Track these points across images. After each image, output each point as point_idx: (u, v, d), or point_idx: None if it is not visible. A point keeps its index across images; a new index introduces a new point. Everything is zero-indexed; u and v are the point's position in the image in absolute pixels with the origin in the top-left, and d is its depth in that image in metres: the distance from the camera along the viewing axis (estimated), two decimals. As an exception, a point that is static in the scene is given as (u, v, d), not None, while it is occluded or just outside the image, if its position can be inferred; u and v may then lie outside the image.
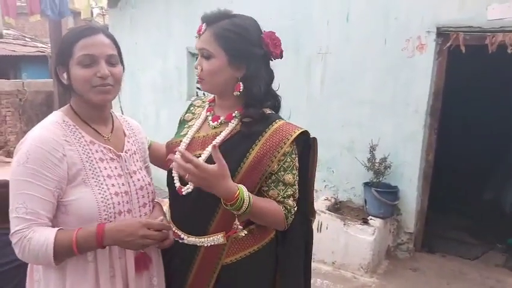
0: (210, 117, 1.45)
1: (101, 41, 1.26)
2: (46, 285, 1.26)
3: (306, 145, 1.46)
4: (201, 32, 1.34)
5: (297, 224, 1.44)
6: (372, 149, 3.65)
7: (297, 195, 1.38)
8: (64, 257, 1.19)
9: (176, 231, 1.39)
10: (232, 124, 1.38)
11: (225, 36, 1.32)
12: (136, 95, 5.47)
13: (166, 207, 1.52)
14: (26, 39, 12.92)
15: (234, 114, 1.39)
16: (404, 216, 3.78)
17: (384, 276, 3.50)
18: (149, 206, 1.41)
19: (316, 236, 3.62)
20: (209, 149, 1.32)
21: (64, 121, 1.27)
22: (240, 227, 1.33)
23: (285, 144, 1.32)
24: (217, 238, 1.35)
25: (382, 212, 3.57)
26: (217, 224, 1.35)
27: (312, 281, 3.46)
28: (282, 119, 1.40)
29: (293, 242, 1.48)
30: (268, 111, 1.41)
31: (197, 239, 1.36)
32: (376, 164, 3.63)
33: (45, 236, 1.16)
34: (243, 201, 1.22)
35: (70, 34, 1.30)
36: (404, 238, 3.83)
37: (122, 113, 4.73)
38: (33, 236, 1.16)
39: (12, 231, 1.18)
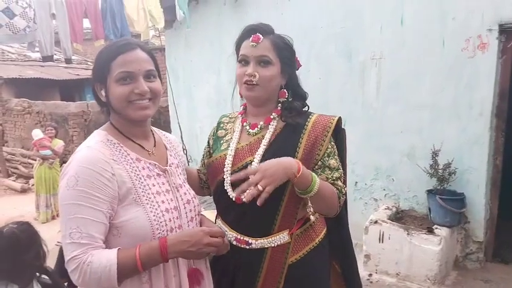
0: (247, 127, 1.51)
1: (139, 57, 1.23)
2: None
3: (339, 131, 1.54)
4: (260, 41, 1.40)
5: (342, 210, 1.53)
6: (435, 154, 3.50)
7: (343, 178, 1.47)
8: (126, 276, 1.16)
9: (242, 238, 1.42)
10: (273, 125, 1.47)
11: (281, 46, 1.44)
12: (192, 110, 5.66)
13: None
14: (88, 63, 13.82)
15: (272, 117, 1.48)
16: (472, 224, 3.58)
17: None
18: (196, 219, 1.38)
19: (378, 246, 3.58)
20: (260, 151, 1.42)
21: (108, 140, 1.24)
22: (311, 210, 1.45)
23: (328, 132, 1.44)
24: (283, 236, 1.42)
25: (448, 220, 3.40)
26: (280, 223, 1.41)
27: (375, 293, 3.36)
28: (314, 112, 1.52)
29: (344, 226, 1.62)
30: None
31: (265, 241, 1.41)
32: (439, 171, 3.48)
33: (107, 258, 1.13)
34: (313, 178, 1.31)
35: (107, 50, 1.27)
36: (473, 248, 3.62)
37: (180, 129, 4.95)
38: (93, 259, 1.12)
39: (68, 257, 1.14)
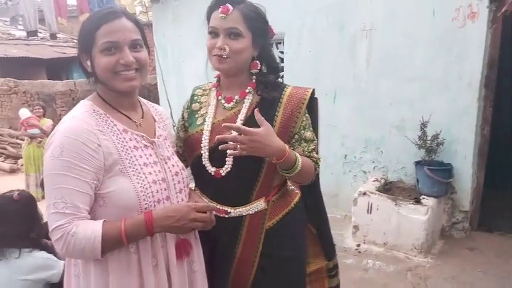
0: (222, 101, 1.50)
1: (124, 26, 1.19)
2: (86, 280, 1.21)
3: (312, 102, 1.53)
4: (229, 13, 1.36)
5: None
6: (424, 126, 3.53)
7: (317, 149, 1.51)
8: (111, 248, 1.16)
9: (221, 207, 1.44)
10: (249, 99, 1.47)
11: (252, 17, 1.40)
12: (181, 86, 5.59)
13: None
14: (75, 41, 13.57)
15: (247, 91, 1.47)
16: (459, 194, 3.65)
17: (439, 256, 3.40)
18: (185, 191, 1.37)
19: (366, 217, 3.64)
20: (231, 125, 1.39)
21: (94, 110, 1.22)
22: (293, 187, 1.51)
23: (303, 105, 1.45)
24: (260, 204, 1.46)
25: (435, 190, 3.45)
26: (258, 192, 1.45)
27: (363, 263, 3.46)
28: (289, 85, 1.52)
29: (317, 190, 1.66)
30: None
31: (243, 209, 1.44)
32: (428, 142, 3.51)
33: (91, 229, 1.12)
34: (297, 159, 1.36)
35: (91, 19, 1.23)
36: (459, 217, 3.69)
37: (170, 106, 4.90)
38: (78, 230, 1.11)
39: (52, 227, 1.13)
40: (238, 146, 1.28)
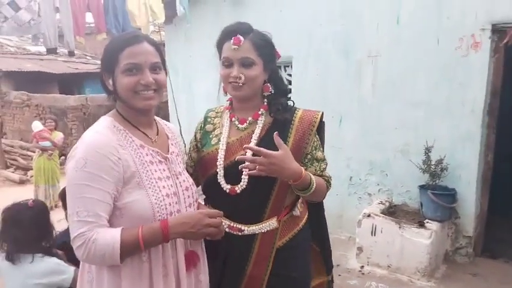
0: (236, 122, 1.58)
1: (145, 49, 1.28)
2: (99, 285, 1.27)
3: (321, 125, 1.62)
4: (241, 44, 1.45)
5: None
6: (428, 150, 3.59)
7: (327, 167, 1.60)
8: (128, 254, 1.22)
9: (235, 225, 1.51)
10: (261, 120, 1.55)
11: (262, 45, 1.50)
12: (191, 105, 5.72)
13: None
14: (87, 57, 13.86)
15: (260, 112, 1.56)
16: (463, 219, 3.68)
17: (442, 281, 3.42)
18: (194, 205, 1.45)
19: (370, 239, 3.67)
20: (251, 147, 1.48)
21: (114, 126, 1.30)
22: (300, 210, 1.59)
23: (314, 127, 1.54)
24: (272, 223, 1.53)
25: (439, 215, 3.49)
26: (270, 211, 1.52)
27: (367, 284, 3.48)
28: (299, 108, 1.61)
29: (322, 210, 1.75)
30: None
31: (256, 227, 1.51)
32: (432, 166, 3.57)
33: (111, 236, 1.18)
34: (311, 180, 1.44)
35: (116, 42, 1.32)
36: (463, 242, 3.71)
37: (179, 124, 5.02)
38: (98, 237, 1.17)
39: (74, 234, 1.19)
40: (257, 167, 1.36)
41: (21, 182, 8.10)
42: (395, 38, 3.85)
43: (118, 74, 1.27)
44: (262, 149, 1.37)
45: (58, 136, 6.47)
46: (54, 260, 1.95)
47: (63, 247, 2.03)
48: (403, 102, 3.85)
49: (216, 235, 1.34)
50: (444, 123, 3.64)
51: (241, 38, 1.45)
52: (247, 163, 1.38)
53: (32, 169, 7.29)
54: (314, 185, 1.44)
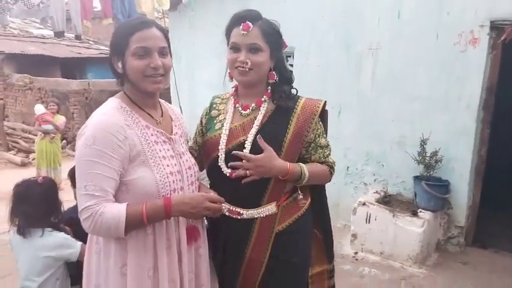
0: (239, 108, 1.64)
1: (154, 34, 1.35)
2: (107, 256, 1.36)
3: (324, 113, 1.69)
4: (250, 30, 1.51)
5: None
6: (423, 143, 3.70)
7: (331, 153, 1.68)
8: (133, 228, 1.30)
9: (234, 209, 1.56)
10: (264, 107, 1.61)
11: (269, 33, 1.56)
12: (193, 92, 5.80)
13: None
14: (90, 42, 13.86)
15: (263, 99, 1.61)
16: (455, 210, 3.80)
17: (433, 268, 3.54)
18: (196, 184, 1.54)
19: (365, 226, 3.79)
20: (252, 131, 1.56)
21: (121, 107, 1.37)
22: (301, 196, 1.63)
23: (315, 115, 1.59)
24: (271, 208, 1.57)
25: (432, 205, 3.60)
26: (269, 196, 1.57)
27: (359, 269, 3.60)
28: (302, 96, 1.66)
29: (324, 197, 1.81)
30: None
31: (255, 211, 1.57)
32: (427, 158, 3.67)
33: (117, 210, 1.26)
34: (302, 171, 1.53)
35: (126, 27, 1.38)
36: (454, 232, 3.84)
37: (181, 110, 5.09)
38: (105, 210, 1.25)
39: (82, 207, 1.27)
40: (247, 171, 1.48)
41: (23, 165, 8.18)
42: (395, 32, 3.92)
43: (128, 56, 1.34)
44: (247, 154, 1.49)
45: (60, 120, 6.53)
46: (63, 234, 2.04)
47: (70, 223, 2.13)
48: (401, 96, 3.94)
49: (212, 216, 1.45)
50: (441, 116, 3.73)
51: (250, 24, 1.50)
52: (240, 171, 1.49)
53: (33, 152, 7.37)
54: (306, 175, 1.54)
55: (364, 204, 3.79)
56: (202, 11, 5.29)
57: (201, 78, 5.67)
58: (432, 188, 3.55)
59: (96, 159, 1.26)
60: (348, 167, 4.41)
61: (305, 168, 1.55)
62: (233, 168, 1.51)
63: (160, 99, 1.55)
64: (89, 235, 1.43)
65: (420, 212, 3.60)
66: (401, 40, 3.90)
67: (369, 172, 4.28)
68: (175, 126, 1.54)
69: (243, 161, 1.49)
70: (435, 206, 3.63)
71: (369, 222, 3.73)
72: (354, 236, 3.84)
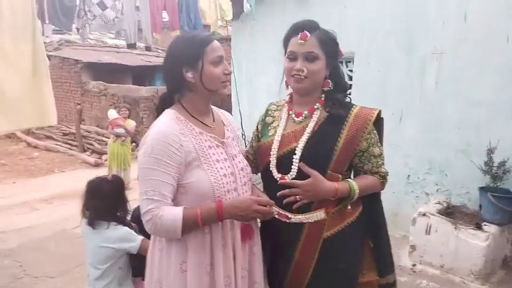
0: (293, 115, 1.68)
1: (220, 46, 1.52)
2: (168, 254, 1.48)
3: (379, 122, 1.68)
4: (307, 39, 1.56)
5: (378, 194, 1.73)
6: (490, 152, 3.51)
7: (384, 162, 1.67)
8: (189, 230, 1.41)
9: (283, 212, 1.61)
10: (316, 115, 1.64)
11: (326, 42, 1.60)
12: (252, 99, 5.95)
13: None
14: (159, 51, 14.62)
15: (315, 107, 1.64)
16: (525, 225, 3.55)
17: (497, 286, 3.33)
18: (249, 184, 1.61)
19: (424, 238, 3.67)
20: (303, 139, 1.60)
21: (177, 117, 1.49)
22: (350, 207, 1.64)
23: (368, 125, 1.59)
24: (320, 214, 1.60)
25: (498, 218, 3.40)
26: (318, 202, 1.59)
27: (417, 282, 3.49)
28: (356, 105, 1.67)
29: (378, 208, 1.75)
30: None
31: (303, 216, 1.60)
32: (494, 168, 3.48)
33: (175, 213, 1.38)
34: (352, 189, 1.57)
35: (194, 39, 1.51)
36: (524, 249, 3.59)
37: (241, 116, 5.25)
38: (164, 214, 1.37)
39: (144, 210, 1.40)
40: (297, 197, 1.55)
41: (96, 165, 8.79)
42: (461, 36, 3.76)
43: (206, 65, 1.46)
44: (294, 181, 1.55)
45: (131, 124, 6.98)
46: (126, 229, 2.21)
47: (139, 219, 2.32)
48: (466, 101, 3.77)
49: (263, 218, 1.53)
50: (509, 124, 3.52)
51: (308, 33, 1.56)
52: (291, 197, 1.56)
53: (106, 153, 7.92)
54: (356, 192, 1.57)
55: (424, 214, 3.66)
56: (262, 20, 5.43)
57: (260, 85, 5.80)
58: (499, 200, 3.35)
59: (155, 166, 1.39)
60: (409, 176, 4.29)
61: (355, 185, 1.57)
62: (283, 196, 1.58)
63: (212, 106, 1.65)
64: None
65: (485, 225, 3.41)
66: (467, 44, 3.73)
67: (431, 181, 4.13)
68: (227, 130, 1.64)
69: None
70: (502, 220, 3.42)
71: (429, 234, 3.60)
72: (413, 247, 3.73)
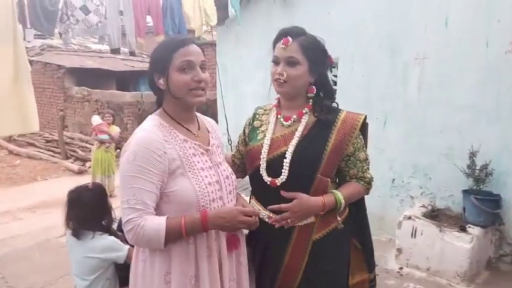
0: (281, 119, 1.70)
1: (195, 50, 1.42)
2: (152, 264, 1.43)
3: (365, 126, 1.71)
4: (288, 44, 1.58)
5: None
6: (473, 155, 3.56)
7: (369, 167, 1.71)
8: (172, 240, 1.36)
9: (273, 216, 1.61)
10: (305, 119, 1.66)
11: (309, 48, 1.61)
12: (238, 104, 5.95)
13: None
14: (143, 55, 14.52)
15: (304, 111, 1.66)
16: (507, 226, 3.61)
17: (482, 287, 3.37)
18: (234, 193, 1.58)
19: (410, 241, 3.70)
20: (293, 143, 1.62)
21: (160, 123, 1.43)
22: (340, 219, 1.67)
23: (356, 129, 1.62)
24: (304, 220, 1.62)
25: (482, 220, 3.45)
26: None
27: (404, 285, 3.51)
28: (343, 110, 1.69)
29: (363, 209, 1.81)
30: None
31: None
32: (476, 171, 3.54)
33: (157, 223, 1.33)
34: (338, 201, 1.60)
35: (167, 44, 1.45)
36: (507, 249, 3.64)
37: (227, 121, 5.24)
38: (146, 224, 1.32)
39: (125, 220, 1.35)
40: (288, 220, 1.56)
41: (80, 172, 8.66)
42: (443, 41, 3.83)
43: (172, 71, 1.39)
44: (281, 205, 1.56)
45: (115, 130, 6.89)
46: (112, 238, 2.18)
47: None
48: (449, 105, 3.83)
49: (248, 229, 1.52)
50: (492, 128, 3.58)
51: (290, 39, 1.58)
52: (282, 222, 1.57)
53: (90, 160, 7.79)
54: (342, 203, 1.60)
55: (410, 218, 3.70)
56: (247, 25, 5.44)
57: (246, 90, 5.81)
58: (482, 203, 3.40)
59: (137, 174, 1.33)
60: (393, 180, 4.33)
61: (340, 196, 1.60)
62: (274, 201, 1.59)
63: (196, 113, 1.61)
64: None
65: (469, 227, 3.45)
66: (448, 49, 3.80)
67: (415, 185, 4.18)
68: (212, 137, 1.61)
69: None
70: (486, 222, 3.47)
71: (414, 237, 3.64)
72: (399, 250, 3.75)
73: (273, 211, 1.60)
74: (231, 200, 1.56)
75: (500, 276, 3.56)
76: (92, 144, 7.39)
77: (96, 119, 6.93)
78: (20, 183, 7.91)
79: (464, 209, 3.62)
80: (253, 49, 5.56)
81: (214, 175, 1.49)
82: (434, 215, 3.86)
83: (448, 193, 3.94)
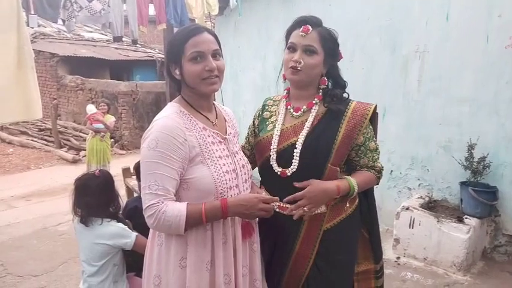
0: (291, 110, 1.71)
1: (206, 38, 1.43)
2: (167, 249, 1.45)
3: (374, 116, 1.72)
4: (309, 32, 1.59)
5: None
6: (471, 147, 3.62)
7: (379, 156, 1.72)
8: (192, 226, 1.39)
9: (284, 205, 1.63)
10: (315, 110, 1.67)
11: (327, 38, 1.62)
12: (237, 94, 5.95)
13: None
14: (137, 45, 14.39)
15: (314, 102, 1.67)
16: (503, 217, 3.68)
17: (478, 276, 3.46)
18: (249, 182, 1.61)
19: (408, 231, 3.76)
20: (303, 133, 1.63)
21: (180, 111, 1.46)
22: (348, 205, 1.68)
23: (366, 119, 1.63)
24: (320, 206, 1.63)
25: (479, 211, 3.53)
26: None
27: (402, 274, 3.58)
28: (353, 100, 1.70)
29: (372, 199, 1.84)
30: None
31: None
32: (474, 163, 3.60)
33: (178, 209, 1.35)
34: (351, 186, 1.61)
35: (179, 35, 1.46)
36: (502, 240, 3.73)
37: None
38: (167, 209, 1.34)
39: (146, 205, 1.37)
40: (304, 208, 1.56)
41: (74, 162, 8.63)
42: (443, 34, 3.86)
43: (185, 62, 1.42)
44: (296, 194, 1.56)
45: (110, 119, 6.86)
46: (120, 225, 2.20)
47: (133, 213, 2.29)
48: (449, 99, 3.87)
49: (265, 216, 1.53)
50: (490, 121, 3.64)
51: (310, 27, 1.58)
52: (298, 211, 1.56)
53: (84, 149, 7.77)
54: (355, 189, 1.60)
55: (408, 208, 3.76)
56: (247, 16, 5.42)
57: (245, 81, 5.81)
58: (479, 194, 3.47)
59: (159, 160, 1.35)
60: (392, 171, 4.38)
61: (353, 181, 1.61)
62: (284, 189, 1.60)
63: (214, 102, 1.64)
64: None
65: (466, 218, 3.53)
66: (449, 43, 3.84)
67: (413, 176, 4.24)
68: (229, 126, 1.64)
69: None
70: (482, 213, 3.54)
71: (412, 227, 3.70)
72: (397, 240, 3.82)
73: (289, 202, 1.60)
74: (247, 189, 1.58)
75: (495, 266, 3.64)
76: (86, 134, 7.35)
77: (91, 108, 6.89)
78: (13, 172, 7.86)
79: (461, 200, 3.69)
80: (252, 40, 5.56)
81: (231, 163, 1.52)
82: (432, 206, 3.93)
83: (445, 185, 4.01)
